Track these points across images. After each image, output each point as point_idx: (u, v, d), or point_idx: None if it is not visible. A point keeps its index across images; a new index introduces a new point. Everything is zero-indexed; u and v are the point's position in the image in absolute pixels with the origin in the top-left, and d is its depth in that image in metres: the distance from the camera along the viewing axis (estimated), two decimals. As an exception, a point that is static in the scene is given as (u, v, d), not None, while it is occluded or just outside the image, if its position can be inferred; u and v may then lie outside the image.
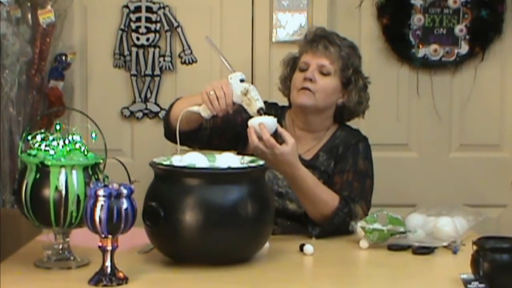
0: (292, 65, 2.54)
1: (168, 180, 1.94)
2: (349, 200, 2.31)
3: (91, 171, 1.92)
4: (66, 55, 3.14)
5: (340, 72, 2.46)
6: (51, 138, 1.93)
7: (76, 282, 1.81)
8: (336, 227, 2.27)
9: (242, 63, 3.14)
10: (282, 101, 2.63)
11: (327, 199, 2.27)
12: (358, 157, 2.45)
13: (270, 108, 2.44)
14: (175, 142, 2.22)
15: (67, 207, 1.87)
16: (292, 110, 2.53)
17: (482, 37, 3.25)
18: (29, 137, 1.94)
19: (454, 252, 2.11)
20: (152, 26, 3.21)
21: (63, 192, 1.86)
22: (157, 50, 3.22)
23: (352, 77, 2.48)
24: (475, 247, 1.80)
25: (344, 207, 2.28)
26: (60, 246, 1.96)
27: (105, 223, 1.75)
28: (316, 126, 2.49)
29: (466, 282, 1.73)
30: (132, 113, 3.25)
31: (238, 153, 2.32)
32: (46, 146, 1.91)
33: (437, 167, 3.34)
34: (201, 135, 2.41)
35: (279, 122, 2.24)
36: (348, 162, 2.43)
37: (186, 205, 1.89)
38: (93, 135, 1.98)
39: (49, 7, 3.05)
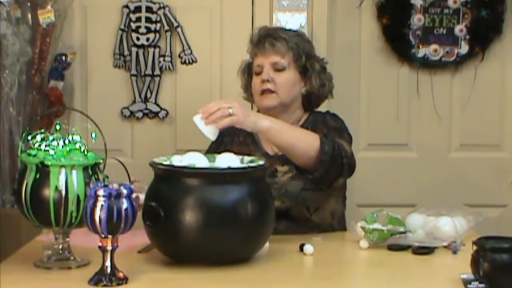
0: (248, 71, 2.55)
1: (168, 180, 1.94)
2: (326, 136, 2.31)
3: (91, 171, 1.92)
4: (66, 55, 3.14)
5: (294, 63, 2.45)
6: (51, 138, 1.93)
7: (76, 282, 1.81)
8: (329, 156, 2.23)
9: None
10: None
11: (308, 137, 2.26)
12: (328, 121, 2.46)
13: None
14: None
15: (67, 207, 1.87)
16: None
17: (482, 37, 3.25)
18: (29, 137, 1.94)
19: (454, 252, 2.11)
20: (152, 26, 3.21)
21: (63, 192, 1.86)
22: (157, 50, 3.22)
23: (307, 63, 2.48)
24: (475, 247, 1.80)
25: (325, 138, 2.27)
26: (60, 246, 1.96)
27: (105, 223, 1.75)
28: (287, 121, 2.45)
29: (466, 282, 1.73)
30: (132, 113, 3.25)
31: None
32: (46, 146, 1.91)
33: (437, 167, 3.34)
34: None
35: None
36: (319, 129, 2.42)
37: (186, 205, 1.89)
38: (93, 135, 1.98)
39: (49, 7, 3.05)
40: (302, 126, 2.49)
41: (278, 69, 2.44)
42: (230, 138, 2.52)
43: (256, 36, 2.51)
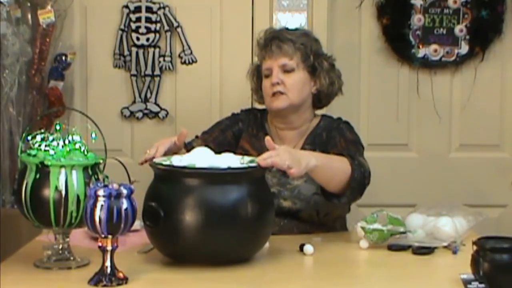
0: (258, 74, 2.56)
1: (168, 180, 1.94)
2: (352, 155, 2.31)
3: (91, 171, 1.92)
4: (66, 55, 3.14)
5: (303, 63, 2.45)
6: (51, 138, 1.93)
7: (76, 282, 1.81)
8: (358, 182, 2.25)
9: (242, 63, 3.14)
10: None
11: (342, 165, 2.25)
12: (344, 132, 2.47)
13: (247, 114, 2.57)
14: None
15: (67, 207, 1.87)
16: (271, 115, 2.54)
17: (482, 37, 3.25)
18: (29, 137, 1.94)
19: (454, 252, 2.11)
20: (152, 26, 3.21)
21: (63, 192, 1.86)
22: (157, 50, 3.22)
23: (315, 62, 2.48)
24: (475, 247, 1.80)
25: (353, 162, 2.27)
26: (60, 246, 1.96)
27: (105, 223, 1.75)
28: (297, 122, 2.49)
29: (466, 282, 1.73)
30: (132, 113, 3.26)
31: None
32: (46, 146, 1.91)
33: (437, 167, 3.34)
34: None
35: (261, 124, 2.38)
36: (336, 138, 2.45)
37: (186, 205, 1.89)
38: (93, 135, 1.98)
39: (49, 7, 3.05)
40: (315, 131, 2.50)
41: (287, 70, 2.44)
42: (244, 126, 2.55)
43: (262, 39, 2.51)
